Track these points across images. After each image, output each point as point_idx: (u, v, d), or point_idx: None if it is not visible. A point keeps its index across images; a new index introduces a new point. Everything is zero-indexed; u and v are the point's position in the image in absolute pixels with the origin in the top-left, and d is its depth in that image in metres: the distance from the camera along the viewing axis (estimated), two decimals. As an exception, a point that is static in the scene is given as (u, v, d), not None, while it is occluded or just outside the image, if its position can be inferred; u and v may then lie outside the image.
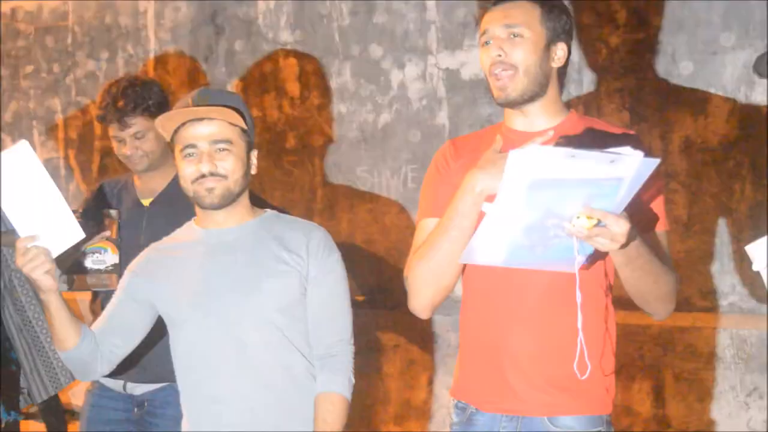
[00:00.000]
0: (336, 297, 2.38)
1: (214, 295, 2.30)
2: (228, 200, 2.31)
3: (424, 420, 4.65)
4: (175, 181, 3.06)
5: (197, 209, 2.39)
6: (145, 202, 3.13)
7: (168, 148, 3.07)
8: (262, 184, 5.26)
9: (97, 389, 3.15)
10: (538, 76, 2.17)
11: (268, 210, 2.49)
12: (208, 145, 2.27)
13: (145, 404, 3.06)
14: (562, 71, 2.26)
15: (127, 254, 2.94)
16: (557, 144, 2.04)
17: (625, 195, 1.84)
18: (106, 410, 3.12)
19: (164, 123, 2.30)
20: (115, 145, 3.10)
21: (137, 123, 3.01)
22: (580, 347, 2.05)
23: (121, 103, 2.99)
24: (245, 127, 2.32)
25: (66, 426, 4.70)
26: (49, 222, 2.15)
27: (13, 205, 2.14)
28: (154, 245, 2.49)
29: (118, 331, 2.39)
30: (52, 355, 4.47)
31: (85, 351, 2.32)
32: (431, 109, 4.93)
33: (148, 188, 3.14)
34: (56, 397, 4.71)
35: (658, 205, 2.23)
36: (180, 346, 2.38)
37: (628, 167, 1.78)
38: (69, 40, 6.27)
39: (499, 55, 2.16)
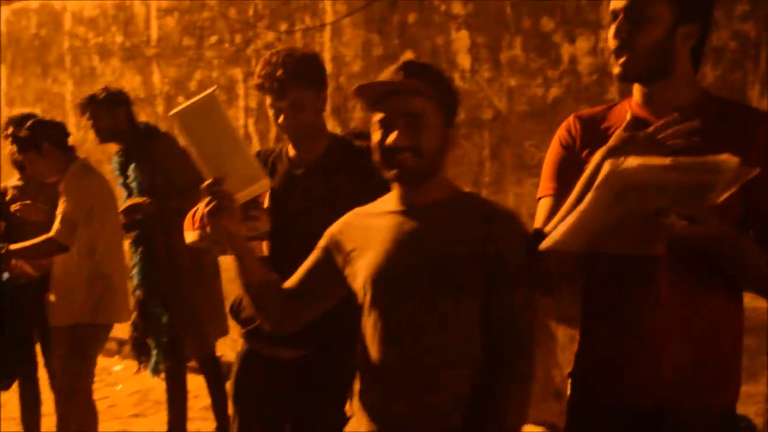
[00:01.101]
0: (520, 283, 2.27)
1: (400, 272, 2.28)
2: (420, 174, 2.26)
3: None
4: (329, 152, 3.14)
5: (394, 183, 2.35)
6: (299, 172, 3.16)
7: (322, 120, 3.16)
8: (431, 157, 5.30)
9: (247, 352, 3.26)
10: (660, 57, 2.13)
11: (465, 190, 2.44)
12: (404, 117, 2.23)
13: (294, 369, 3.12)
14: (698, 50, 2.20)
15: (278, 222, 3.05)
16: (680, 121, 2.00)
17: (715, 196, 1.82)
18: (255, 374, 3.23)
19: (364, 92, 2.28)
20: (272, 114, 3.11)
21: (294, 93, 3.02)
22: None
23: (279, 73, 3.00)
24: (444, 101, 2.28)
25: (224, 380, 4.91)
26: (235, 169, 2.22)
27: (201, 150, 2.21)
28: (356, 210, 2.47)
29: (307, 291, 2.44)
30: (202, 319, 4.83)
31: (272, 301, 2.41)
32: (602, 84, 4.87)
33: (302, 158, 3.17)
34: (213, 353, 5.06)
35: None
36: (367, 321, 2.35)
37: (723, 173, 1.76)
38: (250, 12, 6.50)
39: (620, 37, 2.14)
